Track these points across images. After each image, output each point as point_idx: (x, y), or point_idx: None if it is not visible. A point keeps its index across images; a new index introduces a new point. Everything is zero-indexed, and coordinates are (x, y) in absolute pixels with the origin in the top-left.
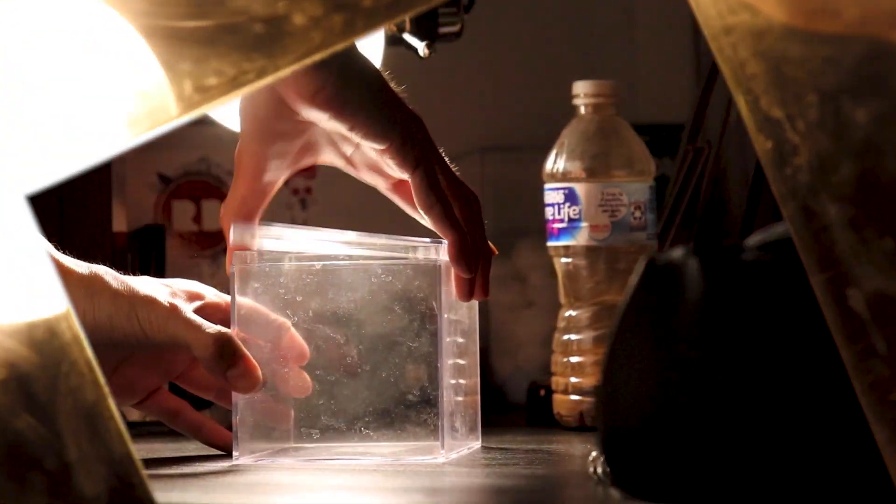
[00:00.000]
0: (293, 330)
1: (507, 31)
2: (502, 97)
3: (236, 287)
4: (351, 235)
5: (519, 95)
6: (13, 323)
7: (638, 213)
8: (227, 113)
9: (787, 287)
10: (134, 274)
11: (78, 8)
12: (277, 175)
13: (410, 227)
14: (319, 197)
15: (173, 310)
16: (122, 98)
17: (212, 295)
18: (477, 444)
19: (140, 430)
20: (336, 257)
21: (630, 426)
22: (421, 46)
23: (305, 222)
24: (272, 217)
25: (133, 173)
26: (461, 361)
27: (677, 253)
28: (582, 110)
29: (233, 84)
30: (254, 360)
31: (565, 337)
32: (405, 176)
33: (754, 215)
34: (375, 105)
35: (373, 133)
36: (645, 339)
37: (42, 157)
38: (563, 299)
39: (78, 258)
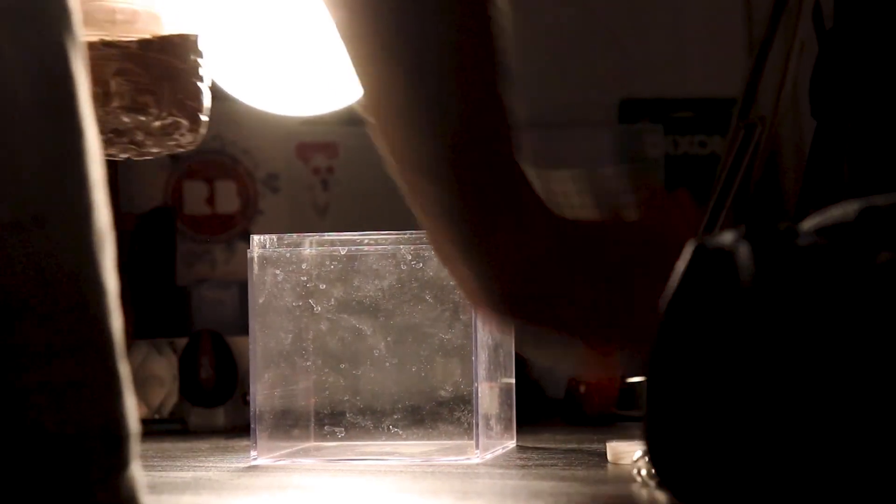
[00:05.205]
0: None
1: (549, 2)
2: (543, 71)
3: (255, 274)
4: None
5: (561, 69)
6: None
7: None
8: (242, 88)
9: (846, 274)
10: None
11: None
12: None
13: None
14: (342, 177)
15: None
16: None
17: None
18: (512, 444)
19: (149, 428)
20: (361, 241)
21: (678, 424)
22: None
23: (327, 205)
24: (293, 199)
25: None
26: (496, 354)
27: (727, 237)
28: None
29: None
30: None
31: None
32: None
33: (811, 197)
34: None
35: None
36: (693, 329)
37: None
38: None
39: None
